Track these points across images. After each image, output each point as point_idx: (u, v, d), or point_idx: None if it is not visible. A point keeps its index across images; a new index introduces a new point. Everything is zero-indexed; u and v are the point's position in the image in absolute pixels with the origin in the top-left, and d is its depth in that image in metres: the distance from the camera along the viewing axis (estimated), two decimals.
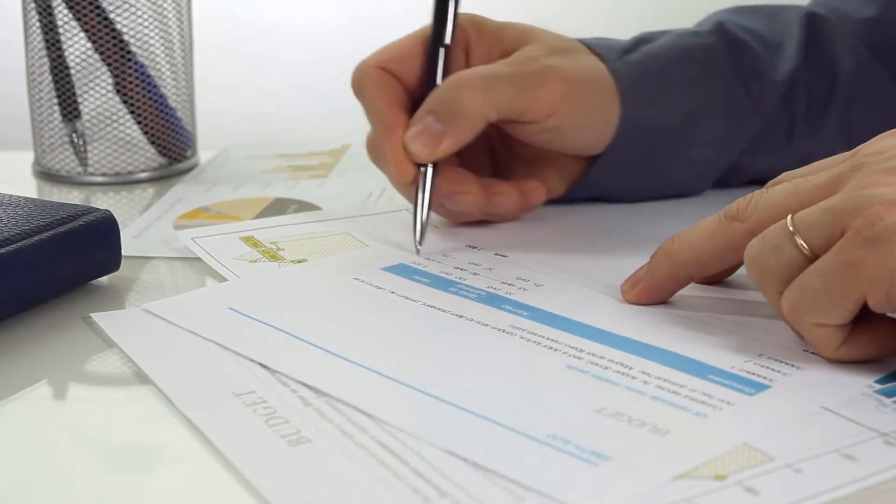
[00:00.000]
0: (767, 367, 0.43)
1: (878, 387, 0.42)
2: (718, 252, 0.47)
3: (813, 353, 0.44)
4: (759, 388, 0.41)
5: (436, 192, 0.55)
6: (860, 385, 0.42)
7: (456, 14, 0.57)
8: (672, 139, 0.60)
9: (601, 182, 0.60)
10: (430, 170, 0.55)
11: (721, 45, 0.61)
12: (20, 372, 0.45)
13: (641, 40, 0.61)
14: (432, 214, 0.56)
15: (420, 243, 0.54)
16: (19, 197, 0.54)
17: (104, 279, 0.54)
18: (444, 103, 0.55)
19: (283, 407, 0.40)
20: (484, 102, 0.54)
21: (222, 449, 0.38)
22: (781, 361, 0.43)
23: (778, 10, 0.65)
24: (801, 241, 0.42)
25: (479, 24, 0.58)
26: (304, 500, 0.35)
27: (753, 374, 0.42)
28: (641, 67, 0.58)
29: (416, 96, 0.57)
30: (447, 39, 0.57)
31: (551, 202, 0.61)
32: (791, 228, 0.43)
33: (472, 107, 0.54)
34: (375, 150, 0.57)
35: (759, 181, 0.52)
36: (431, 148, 0.54)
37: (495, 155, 0.61)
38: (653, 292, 0.49)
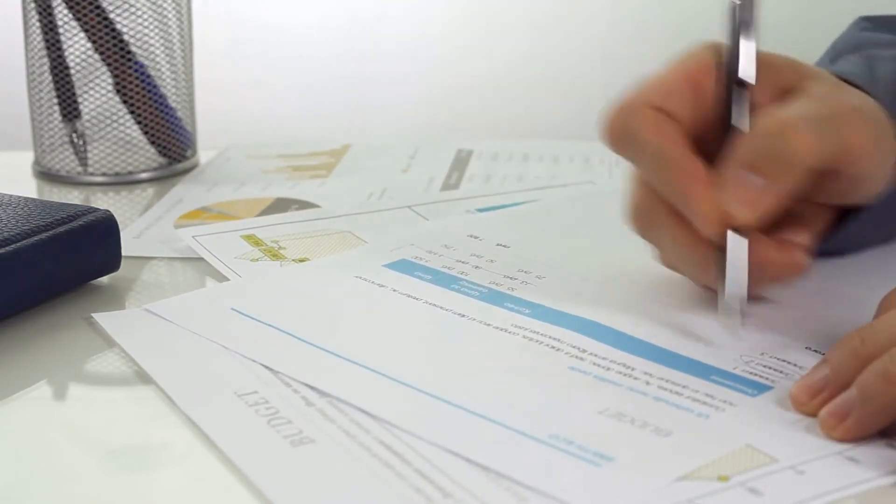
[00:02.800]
0: (769, 368, 0.43)
1: None
2: None
3: (815, 351, 0.44)
4: (762, 388, 0.41)
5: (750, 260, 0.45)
6: None
7: (754, 50, 0.47)
8: None
9: (861, 234, 0.52)
10: (734, 235, 0.45)
11: None
12: (20, 372, 0.45)
13: (870, 68, 0.53)
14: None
15: (742, 324, 0.44)
16: (19, 197, 0.54)
17: (104, 279, 0.54)
18: (765, 153, 0.44)
19: (285, 407, 0.40)
20: (814, 151, 0.44)
21: (224, 449, 0.38)
22: (783, 361, 0.43)
23: None
24: None
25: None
26: (307, 501, 0.35)
27: (755, 374, 0.42)
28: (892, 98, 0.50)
29: (694, 140, 0.47)
30: (740, 73, 0.46)
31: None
32: None
33: (802, 155, 0.44)
34: (651, 212, 0.47)
35: None
36: (752, 206, 0.44)
37: None
38: (869, 427, 0.39)
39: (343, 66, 1.27)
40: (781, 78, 0.48)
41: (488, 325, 0.47)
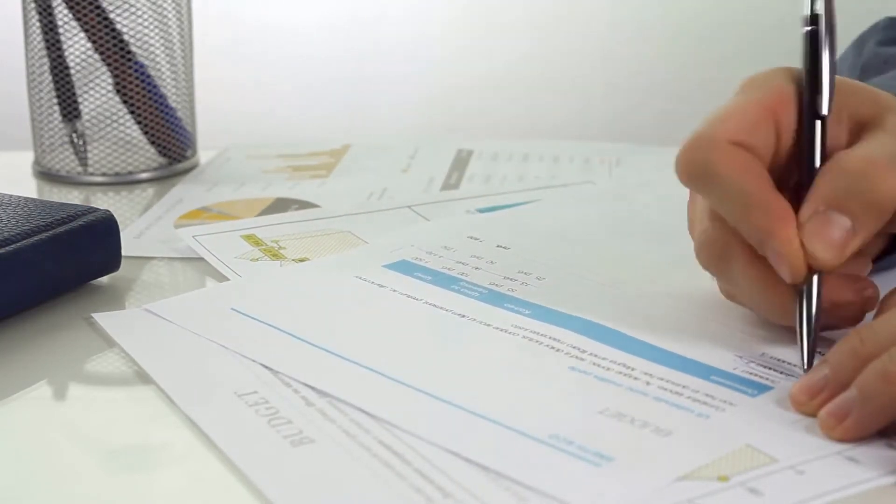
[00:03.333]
0: (769, 368, 0.43)
1: None
2: None
3: (816, 352, 0.44)
4: (762, 388, 0.41)
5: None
6: None
7: (832, 80, 0.45)
8: None
9: None
10: (816, 278, 0.43)
11: None
12: (20, 372, 0.45)
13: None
14: None
15: (809, 364, 0.43)
16: (19, 197, 0.54)
17: (104, 279, 0.54)
18: (851, 193, 0.43)
19: (285, 407, 0.40)
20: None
21: (225, 449, 0.38)
22: (783, 361, 0.43)
23: None
24: None
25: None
26: (307, 501, 0.35)
27: (755, 374, 0.42)
28: None
29: (776, 176, 0.45)
30: (824, 110, 0.45)
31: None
32: None
33: (888, 192, 0.43)
34: (724, 248, 0.45)
35: None
36: (837, 249, 0.43)
37: None
38: (868, 433, 0.38)
39: (343, 66, 1.27)
40: (859, 109, 0.46)
41: (488, 325, 0.47)
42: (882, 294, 0.44)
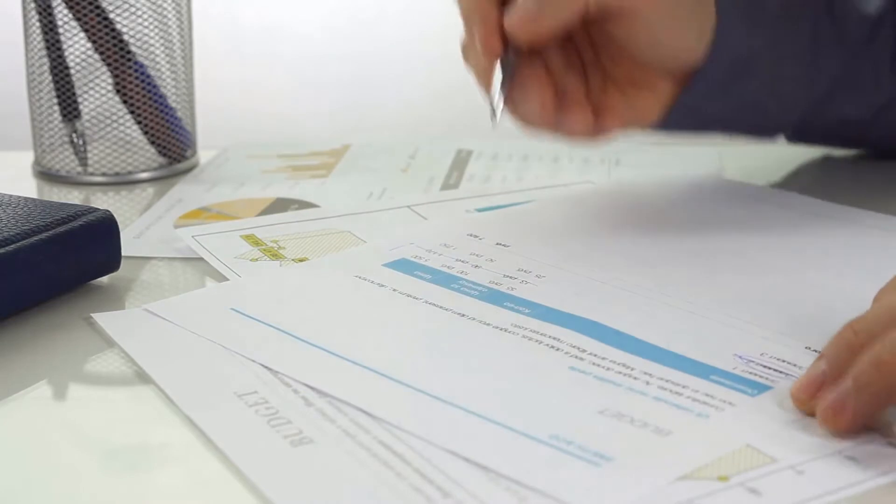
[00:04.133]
0: (769, 368, 0.43)
1: None
2: None
3: (815, 350, 0.44)
4: (762, 388, 0.41)
5: (513, 85, 0.55)
6: None
7: None
8: (760, 67, 0.59)
9: (697, 104, 0.59)
10: (512, 52, 0.55)
11: None
12: (20, 372, 0.45)
13: None
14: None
15: (497, 116, 0.54)
16: (19, 197, 0.54)
17: (104, 279, 0.54)
18: None
19: (285, 407, 0.40)
20: None
21: (224, 450, 0.38)
22: (783, 361, 0.43)
23: None
24: None
25: None
26: (307, 501, 0.35)
27: (755, 374, 0.42)
28: None
29: None
30: None
31: (648, 130, 0.60)
32: None
33: None
34: (466, 46, 0.57)
35: (842, 130, 0.50)
36: (528, 26, 0.54)
37: (589, 78, 0.60)
38: (863, 422, 0.39)
39: (343, 66, 1.27)
40: None
41: (488, 324, 0.47)
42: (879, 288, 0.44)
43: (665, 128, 0.61)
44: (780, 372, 0.42)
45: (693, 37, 0.58)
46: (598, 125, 0.57)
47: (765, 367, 0.43)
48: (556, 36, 0.56)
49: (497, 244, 0.55)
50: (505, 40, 0.55)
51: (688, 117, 0.61)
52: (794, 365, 0.43)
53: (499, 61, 0.55)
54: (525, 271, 0.52)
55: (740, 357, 0.44)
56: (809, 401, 0.39)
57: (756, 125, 0.62)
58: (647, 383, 0.42)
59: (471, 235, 0.56)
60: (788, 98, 0.61)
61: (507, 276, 0.51)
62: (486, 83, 0.56)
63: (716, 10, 0.57)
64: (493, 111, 0.55)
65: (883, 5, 0.62)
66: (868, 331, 0.40)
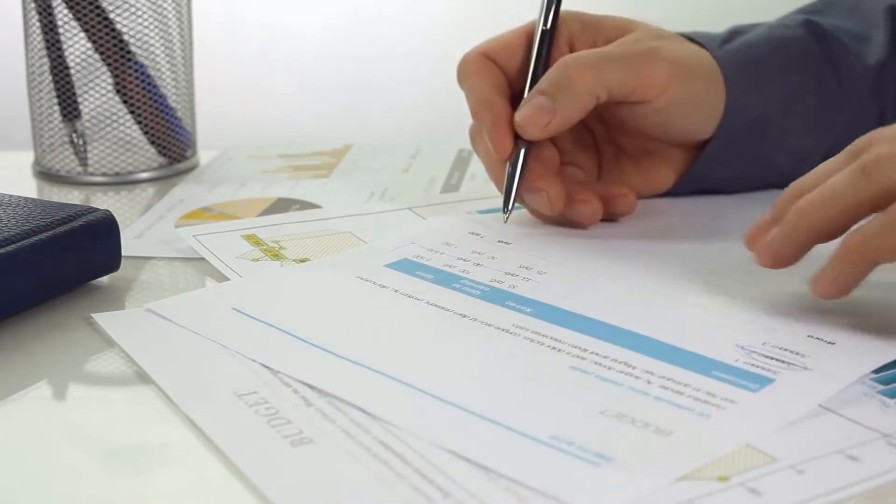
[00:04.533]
0: (771, 357, 0.43)
1: (881, 387, 0.41)
2: (846, 219, 0.45)
3: (817, 338, 0.44)
4: (764, 382, 0.41)
5: (521, 183, 0.56)
6: (862, 373, 0.42)
7: (551, 4, 0.58)
8: (771, 127, 0.61)
9: (709, 171, 0.61)
10: (524, 149, 0.56)
11: (811, 36, 0.62)
12: (20, 372, 0.45)
13: (735, 32, 0.62)
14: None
15: (508, 214, 0.56)
16: (19, 197, 0.54)
17: (104, 279, 0.54)
18: (555, 82, 0.55)
19: (285, 407, 0.40)
20: (594, 80, 0.55)
21: (225, 450, 0.38)
22: (784, 349, 0.43)
23: (858, 3, 0.66)
24: None
25: (581, 17, 0.60)
26: (307, 501, 0.35)
27: (757, 365, 0.42)
28: (741, 55, 0.60)
29: (517, 87, 0.58)
30: (546, 24, 0.58)
31: (661, 196, 0.62)
32: None
33: (583, 83, 0.55)
34: (475, 134, 0.59)
35: None
36: (542, 124, 0.55)
37: (602, 153, 0.62)
38: (786, 258, 0.47)
39: (344, 66, 1.27)
40: (604, 34, 0.59)
41: (489, 325, 0.47)
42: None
43: (679, 192, 0.62)
44: (783, 361, 0.42)
45: (704, 118, 0.59)
46: (606, 212, 0.58)
47: (767, 356, 0.43)
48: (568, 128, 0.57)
49: (499, 241, 0.55)
50: (515, 134, 0.56)
51: (700, 182, 0.62)
52: (797, 353, 0.43)
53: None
54: (527, 268, 0.52)
55: (742, 347, 0.43)
56: (755, 243, 0.47)
57: (768, 181, 0.62)
58: (649, 382, 0.41)
59: (472, 234, 0.56)
60: (799, 152, 0.62)
61: (509, 274, 0.51)
62: (496, 178, 0.58)
63: (725, 84, 0.58)
64: (505, 208, 0.56)
65: (881, 55, 0.63)
66: (803, 185, 0.47)
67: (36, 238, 0.49)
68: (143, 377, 0.44)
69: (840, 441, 0.38)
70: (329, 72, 1.27)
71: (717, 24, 0.65)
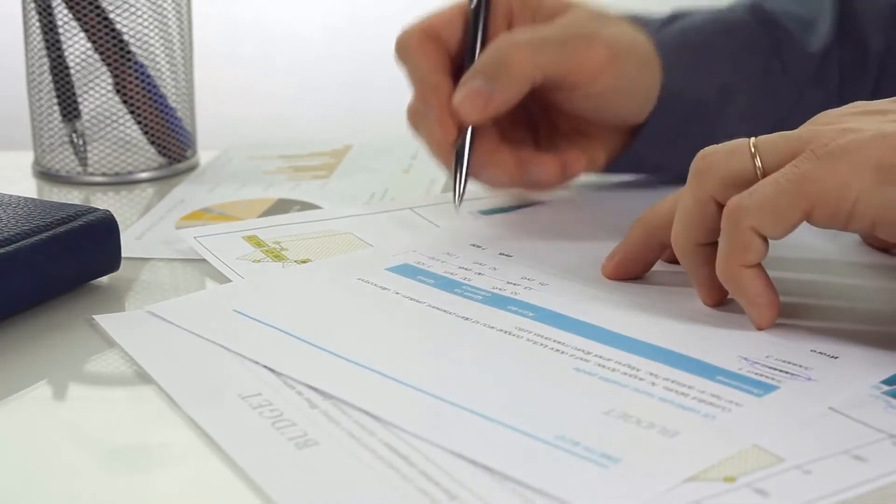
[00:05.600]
0: (774, 368, 0.42)
1: (886, 388, 0.41)
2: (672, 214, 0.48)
3: (820, 353, 0.44)
4: (768, 388, 0.41)
5: (472, 160, 0.56)
6: (867, 385, 0.41)
7: None
8: (708, 111, 0.60)
9: (643, 154, 0.61)
10: (470, 130, 0.56)
11: (756, 21, 0.62)
12: (20, 372, 0.45)
13: (676, 16, 0.62)
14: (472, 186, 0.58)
15: (459, 201, 0.56)
16: (19, 197, 0.54)
17: (104, 279, 0.54)
18: (491, 65, 0.55)
19: (289, 409, 0.40)
20: (532, 63, 0.55)
21: (230, 452, 0.38)
22: (788, 362, 0.43)
23: None
24: (758, 161, 0.44)
25: None
26: (312, 503, 0.35)
27: (761, 374, 0.42)
28: (681, 39, 0.59)
29: (458, 62, 0.58)
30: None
31: (597, 174, 0.62)
32: (752, 150, 0.45)
33: (520, 67, 0.55)
34: (416, 114, 0.58)
35: None
36: (479, 108, 0.55)
37: (536, 130, 0.62)
38: (628, 263, 0.50)
39: (344, 66, 1.26)
40: (543, 14, 0.58)
41: (492, 327, 0.46)
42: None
43: (613, 172, 0.63)
44: (786, 373, 0.42)
45: (638, 102, 0.59)
46: (562, 174, 0.59)
47: (770, 367, 0.43)
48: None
49: (500, 254, 0.55)
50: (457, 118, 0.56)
51: (636, 164, 0.62)
52: (801, 366, 0.43)
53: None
54: (528, 279, 0.51)
55: (745, 359, 0.43)
56: (606, 264, 0.51)
57: None
58: (653, 384, 0.41)
59: (473, 245, 0.56)
60: (738, 135, 0.62)
61: (511, 283, 0.51)
62: (444, 160, 0.57)
63: (661, 68, 0.58)
64: (456, 194, 0.56)
65: (825, 42, 0.63)
66: (655, 210, 0.50)
67: (36, 238, 0.49)
68: (143, 377, 0.44)
69: (846, 441, 0.38)
70: (329, 72, 1.27)
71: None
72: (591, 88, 0.56)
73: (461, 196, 0.56)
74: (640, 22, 0.60)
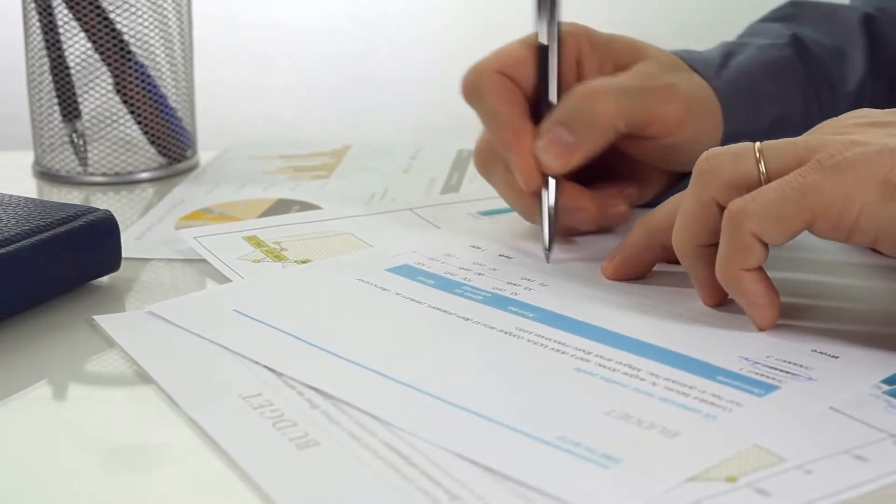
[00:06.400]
0: (775, 368, 0.42)
1: (886, 387, 0.41)
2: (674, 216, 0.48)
3: (820, 353, 0.44)
4: (769, 388, 0.41)
5: (558, 211, 0.54)
6: (867, 385, 0.41)
7: (553, 13, 0.55)
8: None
9: None
10: (553, 182, 0.54)
11: (798, 59, 0.62)
12: (20, 372, 0.45)
13: (728, 54, 0.61)
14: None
15: (549, 250, 0.54)
16: (19, 197, 0.54)
17: (104, 279, 0.54)
18: (575, 114, 0.54)
19: (290, 409, 0.40)
20: (616, 114, 0.54)
21: (230, 452, 0.38)
22: (788, 362, 0.43)
23: (835, 9, 0.66)
24: (762, 166, 0.45)
25: (590, 35, 0.57)
26: (313, 503, 0.35)
27: (762, 375, 0.42)
28: (735, 85, 0.59)
29: (532, 104, 0.55)
30: (544, 39, 0.55)
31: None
32: (757, 154, 0.45)
33: (607, 119, 0.53)
34: (490, 156, 0.56)
35: None
36: (563, 159, 0.53)
37: (588, 167, 0.59)
38: (628, 264, 0.51)
39: (344, 67, 1.26)
40: (613, 57, 0.57)
41: (492, 328, 0.46)
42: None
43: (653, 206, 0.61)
44: (787, 372, 0.42)
45: (703, 151, 0.57)
46: (602, 218, 0.57)
47: (771, 367, 0.43)
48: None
49: (500, 255, 0.55)
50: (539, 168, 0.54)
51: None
52: (801, 366, 0.43)
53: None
54: (528, 280, 0.51)
55: (746, 359, 0.43)
56: (607, 265, 0.52)
57: None
58: (654, 384, 0.41)
59: (473, 247, 0.56)
60: None
61: (511, 283, 0.51)
62: (523, 208, 0.56)
63: (722, 117, 0.58)
64: (547, 248, 0.54)
65: (859, 76, 0.63)
66: (655, 214, 0.50)
67: (36, 238, 0.49)
68: (143, 377, 0.44)
69: (847, 441, 0.38)
70: (329, 72, 1.27)
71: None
72: (666, 140, 0.55)
73: (551, 244, 0.54)
74: (697, 63, 0.59)
